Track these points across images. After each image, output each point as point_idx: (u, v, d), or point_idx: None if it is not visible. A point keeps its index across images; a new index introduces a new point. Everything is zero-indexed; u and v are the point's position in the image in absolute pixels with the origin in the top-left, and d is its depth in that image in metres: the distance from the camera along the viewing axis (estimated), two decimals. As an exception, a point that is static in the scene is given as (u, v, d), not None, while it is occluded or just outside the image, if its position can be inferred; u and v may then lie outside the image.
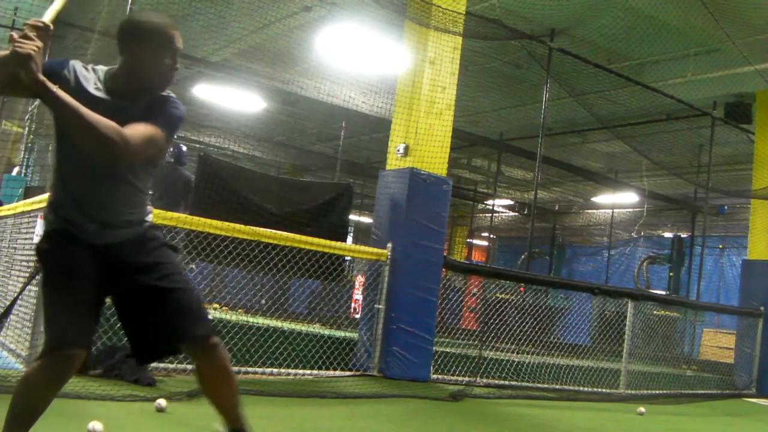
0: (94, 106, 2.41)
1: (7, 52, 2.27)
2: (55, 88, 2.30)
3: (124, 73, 2.62)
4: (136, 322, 2.72)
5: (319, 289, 10.41)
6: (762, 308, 10.49)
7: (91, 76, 2.62)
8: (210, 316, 2.76)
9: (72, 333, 2.48)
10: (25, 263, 5.68)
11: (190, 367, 5.60)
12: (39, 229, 5.40)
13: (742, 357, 10.77)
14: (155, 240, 2.78)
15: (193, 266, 7.74)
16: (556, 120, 12.68)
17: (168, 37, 2.64)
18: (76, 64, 2.63)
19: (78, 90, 2.53)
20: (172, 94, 2.72)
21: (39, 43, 2.28)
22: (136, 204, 2.72)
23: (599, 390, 8.48)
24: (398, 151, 7.33)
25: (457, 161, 16.34)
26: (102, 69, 2.67)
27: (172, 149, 8.52)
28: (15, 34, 2.26)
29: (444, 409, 5.91)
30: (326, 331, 7.92)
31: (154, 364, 5.30)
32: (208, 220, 5.73)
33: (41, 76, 2.26)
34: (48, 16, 2.44)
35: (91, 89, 2.58)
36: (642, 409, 7.01)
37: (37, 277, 4.94)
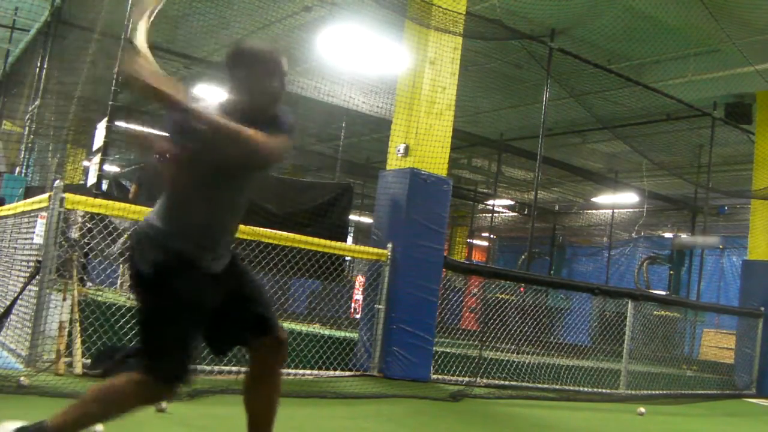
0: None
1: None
2: (186, 101, 2.39)
3: (240, 103, 2.67)
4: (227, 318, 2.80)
5: (319, 289, 10.41)
6: (762, 308, 10.48)
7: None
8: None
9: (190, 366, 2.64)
10: (25, 263, 5.68)
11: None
12: (39, 228, 5.40)
13: (742, 357, 10.77)
14: (237, 260, 2.89)
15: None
16: (556, 120, 12.67)
17: (277, 62, 2.75)
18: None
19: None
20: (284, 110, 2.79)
21: (141, 61, 2.43)
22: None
23: (599, 390, 8.47)
24: (398, 151, 7.33)
25: (458, 161, 16.34)
26: (215, 102, 2.69)
27: None
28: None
29: (444, 409, 5.91)
30: (326, 331, 7.92)
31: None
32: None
33: (163, 88, 2.35)
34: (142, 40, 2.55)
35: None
36: (642, 409, 7.00)
37: (37, 276, 4.95)
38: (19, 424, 2.52)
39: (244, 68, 2.67)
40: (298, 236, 6.36)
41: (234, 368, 6.01)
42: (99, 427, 3.35)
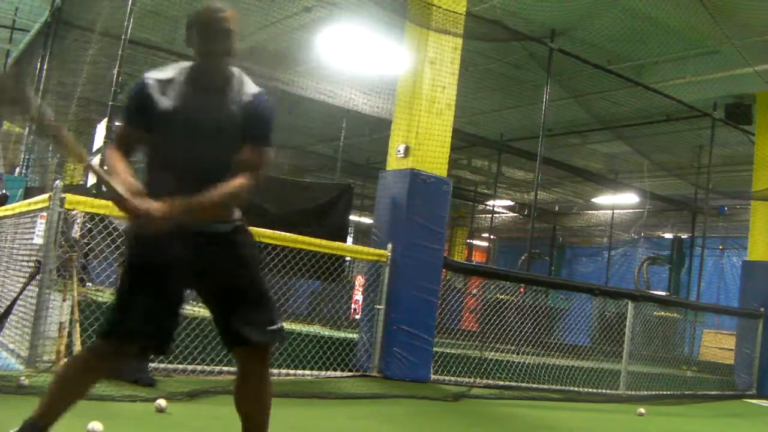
0: (187, 113, 2.61)
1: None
2: (186, 209, 2.51)
3: (205, 67, 2.72)
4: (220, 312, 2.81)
5: (319, 289, 10.42)
6: (762, 309, 10.48)
7: (165, 87, 2.67)
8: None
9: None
10: (25, 263, 5.68)
11: (190, 367, 5.61)
12: (39, 228, 5.40)
13: (742, 358, 10.77)
14: (245, 243, 2.91)
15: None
16: (556, 121, 12.68)
17: (211, 22, 2.71)
18: (145, 89, 2.67)
19: (154, 117, 2.63)
20: (263, 96, 2.80)
21: (147, 208, 2.47)
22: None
23: (599, 391, 8.47)
24: (398, 151, 7.33)
25: (458, 162, 16.34)
26: (178, 69, 2.73)
27: None
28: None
29: (444, 409, 5.91)
30: (326, 332, 7.92)
31: (154, 365, 5.30)
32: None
33: (177, 217, 2.50)
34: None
35: (165, 105, 2.65)
36: (642, 410, 7.01)
37: (37, 277, 4.95)
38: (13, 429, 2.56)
39: (188, 32, 2.72)
40: (298, 237, 6.36)
41: (234, 368, 6.02)
42: (99, 426, 3.36)
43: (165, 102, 2.64)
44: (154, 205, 2.46)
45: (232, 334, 2.74)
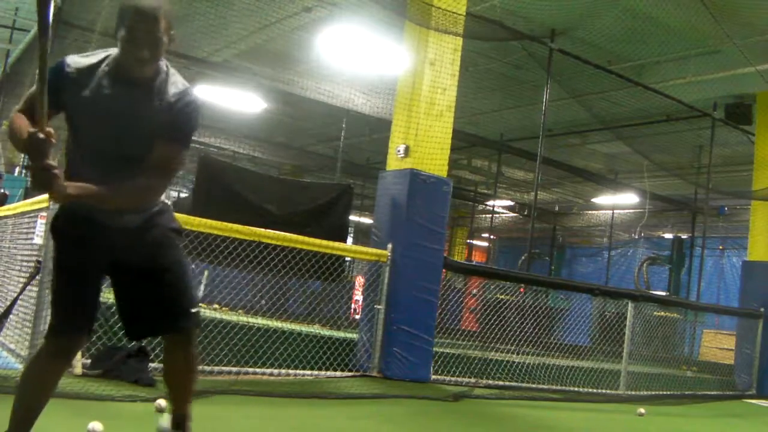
0: (98, 109, 2.55)
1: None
2: (78, 191, 2.45)
3: (128, 60, 2.62)
4: (130, 302, 2.83)
5: (319, 289, 10.42)
6: (762, 309, 10.48)
7: (87, 73, 2.63)
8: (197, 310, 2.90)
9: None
10: (25, 263, 5.68)
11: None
12: (39, 228, 5.40)
13: (743, 358, 10.76)
14: (159, 225, 2.83)
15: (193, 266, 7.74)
16: (556, 121, 12.68)
17: (136, 18, 2.60)
18: (67, 71, 2.65)
19: (75, 101, 2.60)
20: (189, 94, 2.72)
21: (52, 166, 2.38)
22: None
23: (599, 391, 8.47)
24: (398, 151, 7.33)
25: (458, 162, 16.35)
26: (105, 57, 2.67)
27: None
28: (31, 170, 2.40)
29: (444, 409, 5.91)
30: (326, 332, 7.92)
31: (154, 365, 5.30)
32: (208, 221, 5.72)
33: (68, 191, 2.41)
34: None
35: (87, 91, 2.61)
36: (642, 410, 7.00)
37: (37, 277, 4.95)
38: None
39: (118, 21, 2.61)
40: (298, 237, 6.36)
41: (234, 368, 6.02)
42: (99, 426, 3.36)
43: (82, 90, 2.59)
44: (57, 171, 2.39)
45: (154, 322, 2.80)
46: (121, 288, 2.82)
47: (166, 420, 2.99)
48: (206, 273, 9.86)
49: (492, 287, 10.41)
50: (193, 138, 2.80)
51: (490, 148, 14.97)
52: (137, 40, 2.56)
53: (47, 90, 2.36)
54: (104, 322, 5.29)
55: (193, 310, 2.83)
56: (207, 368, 5.78)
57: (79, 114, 2.62)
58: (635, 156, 13.20)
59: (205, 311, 8.59)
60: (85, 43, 9.12)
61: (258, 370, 6.20)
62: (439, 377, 7.37)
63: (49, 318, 2.75)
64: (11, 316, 5.30)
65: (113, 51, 2.68)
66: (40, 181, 2.35)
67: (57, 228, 2.75)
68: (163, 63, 2.72)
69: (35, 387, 2.68)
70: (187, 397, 2.94)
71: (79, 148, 2.68)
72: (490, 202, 19.28)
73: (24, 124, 2.49)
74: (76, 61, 2.65)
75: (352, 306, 12.26)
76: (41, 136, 2.32)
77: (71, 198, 2.44)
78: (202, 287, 9.89)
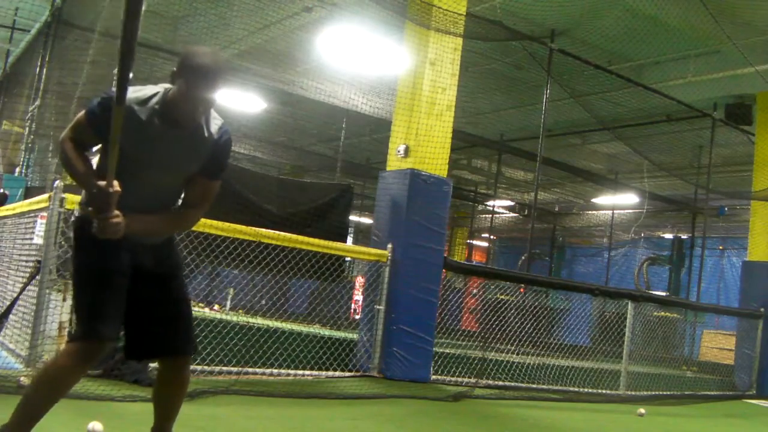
0: (153, 142, 2.65)
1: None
2: (137, 226, 2.63)
3: (179, 103, 2.66)
4: (139, 320, 2.84)
5: (319, 289, 10.41)
6: (762, 309, 10.48)
7: (138, 111, 2.67)
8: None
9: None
10: (24, 263, 5.68)
11: (190, 368, 5.59)
12: (39, 229, 5.40)
13: (742, 358, 10.76)
14: (175, 248, 3.00)
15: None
16: (556, 121, 12.68)
17: (222, 79, 2.69)
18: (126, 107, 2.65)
19: (135, 128, 2.64)
20: (226, 128, 2.84)
21: (119, 215, 2.52)
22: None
23: (599, 391, 8.47)
24: (399, 152, 7.33)
25: (458, 162, 16.35)
26: (151, 93, 2.71)
27: None
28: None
29: (444, 410, 5.91)
30: (326, 332, 7.92)
31: (153, 365, 5.30)
32: (209, 221, 5.72)
33: (130, 228, 2.57)
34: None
35: (145, 122, 2.67)
36: (642, 410, 7.01)
37: (37, 277, 4.95)
38: None
39: (181, 75, 2.63)
40: (298, 237, 6.36)
41: (234, 369, 6.02)
42: (99, 426, 3.36)
43: (130, 124, 2.59)
44: (119, 219, 2.51)
45: (163, 343, 2.86)
46: (138, 302, 2.82)
47: None
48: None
49: (492, 287, 10.41)
50: None
51: (490, 148, 14.97)
52: (198, 100, 2.64)
53: (102, 120, 2.53)
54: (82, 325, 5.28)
55: (194, 339, 3.02)
56: (207, 368, 5.78)
57: (125, 146, 2.58)
58: (635, 156, 13.19)
59: (203, 313, 8.58)
60: (85, 43, 9.12)
61: (258, 370, 6.20)
62: (439, 377, 7.37)
63: (74, 322, 2.78)
64: (11, 316, 5.30)
65: (162, 89, 2.72)
66: (111, 230, 2.50)
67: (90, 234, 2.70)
68: None
69: (58, 390, 2.67)
70: (174, 416, 3.00)
71: (123, 178, 2.67)
72: (490, 203, 19.27)
73: (84, 168, 2.66)
74: (131, 95, 2.64)
75: (352, 306, 12.25)
76: (112, 190, 2.45)
77: (132, 233, 2.60)
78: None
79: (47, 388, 2.65)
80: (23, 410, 2.63)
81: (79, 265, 2.76)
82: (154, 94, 2.70)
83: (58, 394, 2.67)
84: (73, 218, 2.92)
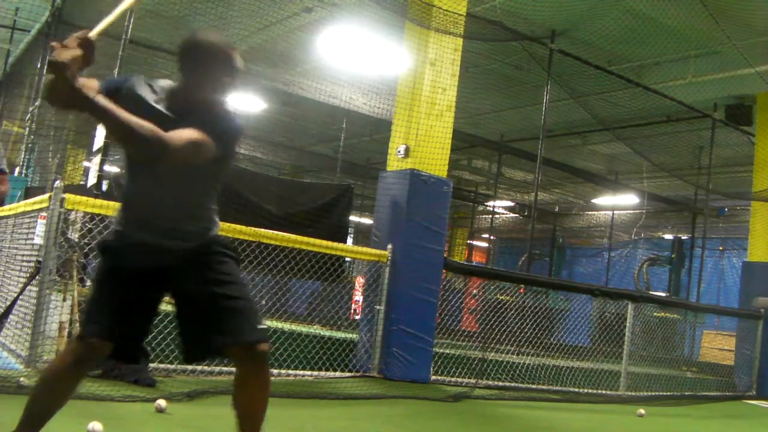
0: (152, 117, 2.47)
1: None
2: (92, 94, 2.30)
3: (184, 90, 2.69)
4: (189, 322, 2.80)
5: (319, 290, 10.41)
6: (762, 310, 10.48)
7: (152, 90, 2.68)
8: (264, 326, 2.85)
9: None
10: (25, 263, 5.68)
11: (190, 368, 5.61)
12: (39, 229, 5.40)
13: (742, 359, 10.76)
14: (217, 253, 2.82)
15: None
16: (556, 121, 12.68)
17: (227, 57, 2.71)
18: (137, 80, 2.70)
19: (135, 101, 2.59)
20: (231, 108, 2.78)
21: (76, 53, 2.27)
22: (195, 216, 2.80)
23: (599, 392, 8.47)
24: (399, 152, 7.33)
25: (458, 162, 16.34)
26: (166, 84, 2.74)
27: None
28: (55, 43, 2.27)
29: (444, 410, 5.91)
30: (326, 332, 7.92)
31: (153, 365, 5.30)
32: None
33: (76, 83, 2.26)
34: (95, 30, 2.45)
35: (150, 101, 2.65)
36: (642, 410, 7.00)
37: (37, 276, 4.95)
38: None
39: (192, 61, 2.67)
40: (298, 237, 6.36)
41: (234, 368, 6.01)
42: (99, 426, 3.36)
43: (154, 101, 2.65)
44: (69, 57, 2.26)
45: (227, 336, 2.74)
46: (183, 311, 2.82)
47: None
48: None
49: (492, 288, 10.40)
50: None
51: (490, 148, 14.97)
52: (212, 80, 2.71)
53: (117, 86, 2.61)
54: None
55: (261, 327, 2.83)
56: (207, 368, 5.78)
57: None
58: (635, 157, 13.20)
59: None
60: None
61: (258, 370, 6.18)
62: (439, 378, 7.37)
63: (77, 323, 2.78)
64: (11, 316, 5.30)
65: (171, 84, 2.77)
66: (54, 59, 2.23)
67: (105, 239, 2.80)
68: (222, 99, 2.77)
69: (54, 388, 2.68)
70: (258, 426, 2.84)
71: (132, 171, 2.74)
72: (491, 203, 19.28)
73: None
74: (139, 80, 2.72)
75: (352, 306, 12.25)
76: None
77: (74, 91, 2.25)
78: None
79: (45, 386, 2.68)
80: (27, 409, 2.64)
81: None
82: (166, 86, 2.74)
83: (55, 393, 2.67)
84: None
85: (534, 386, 7.98)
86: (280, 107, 13.95)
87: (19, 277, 5.79)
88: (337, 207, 8.69)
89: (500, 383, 7.71)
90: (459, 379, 7.51)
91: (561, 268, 23.78)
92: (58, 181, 5.14)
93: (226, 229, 5.81)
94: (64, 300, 5.08)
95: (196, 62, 2.67)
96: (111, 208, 5.27)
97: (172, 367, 5.50)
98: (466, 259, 23.50)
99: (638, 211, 17.96)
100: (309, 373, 6.57)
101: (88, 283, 7.17)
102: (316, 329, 8.30)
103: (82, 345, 2.68)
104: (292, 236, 6.31)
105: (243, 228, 5.92)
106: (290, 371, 6.45)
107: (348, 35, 9.49)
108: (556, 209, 21.92)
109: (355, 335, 7.55)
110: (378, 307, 7.01)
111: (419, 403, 5.99)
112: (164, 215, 2.74)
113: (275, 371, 6.32)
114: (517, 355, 8.64)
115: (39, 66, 9.55)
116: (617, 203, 17.92)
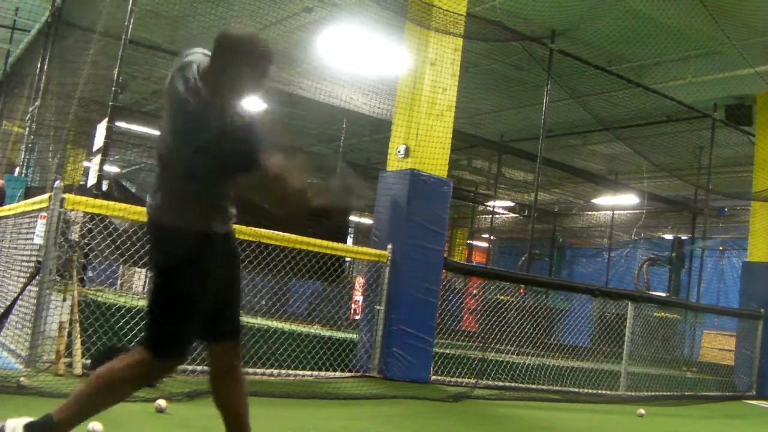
0: (181, 113, 2.65)
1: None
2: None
3: (214, 78, 2.73)
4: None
5: (319, 290, 10.41)
6: (762, 310, 10.48)
7: (189, 75, 2.71)
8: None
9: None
10: (25, 263, 5.68)
11: (190, 368, 5.60)
12: (39, 229, 5.40)
13: (742, 359, 10.76)
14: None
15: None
16: (556, 121, 12.68)
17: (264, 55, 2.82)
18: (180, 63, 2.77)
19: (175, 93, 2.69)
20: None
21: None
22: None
23: (599, 392, 8.47)
24: (399, 152, 7.33)
25: (458, 162, 16.34)
26: (197, 63, 2.75)
27: None
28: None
29: (444, 410, 5.91)
30: (326, 332, 7.92)
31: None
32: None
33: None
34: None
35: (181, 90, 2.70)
36: (642, 410, 7.00)
37: (37, 276, 4.95)
38: (25, 420, 2.55)
39: (228, 55, 2.72)
40: (298, 237, 6.36)
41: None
42: (99, 426, 3.35)
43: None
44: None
45: (222, 329, 2.87)
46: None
47: None
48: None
49: (492, 288, 10.40)
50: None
51: (490, 148, 14.97)
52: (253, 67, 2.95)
53: None
54: (104, 323, 5.29)
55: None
56: (207, 368, 5.77)
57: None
58: (635, 157, 13.20)
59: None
60: (85, 43, 9.11)
61: (258, 370, 6.20)
62: (439, 378, 7.37)
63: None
64: (11, 315, 5.30)
65: (200, 58, 2.89)
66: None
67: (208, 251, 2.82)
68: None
69: (128, 395, 2.77)
70: (245, 417, 2.95)
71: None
72: (491, 203, 19.27)
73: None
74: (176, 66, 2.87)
75: (352, 306, 12.25)
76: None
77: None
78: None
79: (107, 390, 2.66)
80: (78, 403, 2.61)
81: (183, 279, 2.71)
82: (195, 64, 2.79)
83: (118, 397, 2.72)
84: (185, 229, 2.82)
85: (534, 386, 7.98)
86: (280, 107, 13.93)
87: (19, 277, 5.79)
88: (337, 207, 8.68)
89: (500, 383, 7.71)
90: (459, 379, 7.51)
91: (561, 268, 23.77)
92: (58, 181, 5.14)
93: (226, 229, 5.81)
94: (64, 300, 5.08)
95: (232, 59, 2.71)
96: (111, 208, 5.27)
97: (172, 367, 5.48)
98: (466, 259, 23.50)
99: (638, 211, 17.95)
100: (309, 373, 6.57)
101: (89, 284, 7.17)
102: (316, 329, 8.30)
103: (163, 365, 2.71)
104: (292, 236, 6.31)
105: (243, 228, 5.92)
106: (290, 371, 6.45)
107: (348, 35, 9.49)
108: (556, 209, 21.91)
109: (355, 335, 7.54)
110: (378, 307, 7.01)
111: (419, 403, 5.99)
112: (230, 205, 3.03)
113: (275, 371, 6.32)
114: (517, 355, 8.63)
115: (39, 66, 9.55)
116: (617, 203, 17.92)
